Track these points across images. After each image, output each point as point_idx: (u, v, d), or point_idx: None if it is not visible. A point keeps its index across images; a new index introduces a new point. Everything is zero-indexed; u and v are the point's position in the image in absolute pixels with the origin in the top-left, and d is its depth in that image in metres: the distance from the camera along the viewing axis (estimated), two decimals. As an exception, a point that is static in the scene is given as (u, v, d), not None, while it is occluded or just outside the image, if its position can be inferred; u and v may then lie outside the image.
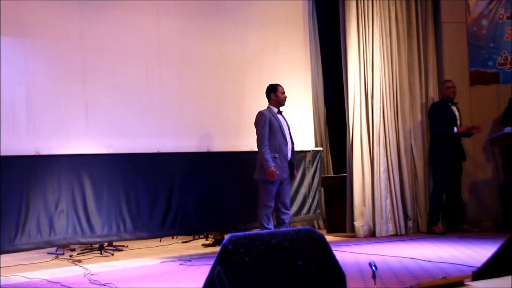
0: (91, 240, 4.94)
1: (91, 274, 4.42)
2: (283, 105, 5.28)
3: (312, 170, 6.31)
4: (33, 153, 4.75)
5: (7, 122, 4.66)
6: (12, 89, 4.74)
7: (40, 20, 4.92)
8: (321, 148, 6.55)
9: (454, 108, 6.20)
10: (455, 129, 6.08)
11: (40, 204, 4.73)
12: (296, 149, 5.66)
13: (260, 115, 5.16)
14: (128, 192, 5.19)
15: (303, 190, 6.22)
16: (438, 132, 6.15)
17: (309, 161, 6.28)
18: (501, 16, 6.60)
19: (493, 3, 6.61)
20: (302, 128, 6.24)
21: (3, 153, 4.55)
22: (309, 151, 6.31)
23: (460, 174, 6.23)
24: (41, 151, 4.78)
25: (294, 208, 5.98)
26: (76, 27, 5.10)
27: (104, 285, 3.96)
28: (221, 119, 5.82)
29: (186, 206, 5.48)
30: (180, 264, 4.81)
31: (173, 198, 5.43)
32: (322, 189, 6.62)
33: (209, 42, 5.81)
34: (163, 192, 5.39)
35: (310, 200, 6.25)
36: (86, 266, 4.82)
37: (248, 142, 5.65)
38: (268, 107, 5.28)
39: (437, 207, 6.15)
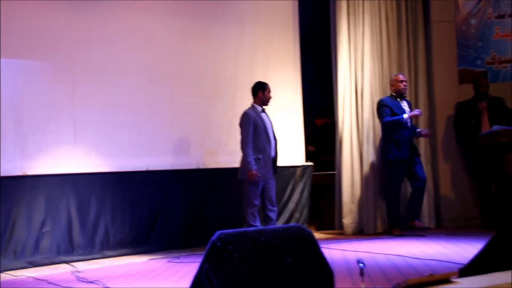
0: (74, 258, 4.86)
1: (79, 272, 4.39)
2: (267, 104, 5.26)
3: (301, 185, 6.20)
4: (19, 173, 4.69)
5: None
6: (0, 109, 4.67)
7: (29, 41, 4.87)
8: (311, 163, 6.35)
9: (404, 103, 5.90)
10: (405, 115, 5.70)
11: (25, 224, 4.68)
12: (286, 164, 5.66)
13: (246, 116, 5.12)
14: (114, 210, 5.18)
15: (291, 205, 6.13)
16: (390, 122, 5.72)
17: (299, 176, 6.20)
18: (489, 16, 6.64)
19: (482, 2, 6.65)
20: (291, 141, 6.11)
21: None
22: (299, 166, 6.22)
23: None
24: (28, 171, 4.73)
25: (280, 222, 5.87)
26: (66, 47, 5.05)
27: (91, 282, 3.94)
28: (211, 136, 5.80)
29: (172, 223, 5.47)
30: (168, 261, 4.79)
31: (160, 215, 5.41)
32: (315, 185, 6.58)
33: (200, 58, 5.78)
34: (150, 209, 5.38)
35: (298, 215, 6.16)
36: (73, 263, 4.79)
37: (238, 158, 5.62)
38: (252, 105, 5.24)
39: (394, 208, 5.86)
